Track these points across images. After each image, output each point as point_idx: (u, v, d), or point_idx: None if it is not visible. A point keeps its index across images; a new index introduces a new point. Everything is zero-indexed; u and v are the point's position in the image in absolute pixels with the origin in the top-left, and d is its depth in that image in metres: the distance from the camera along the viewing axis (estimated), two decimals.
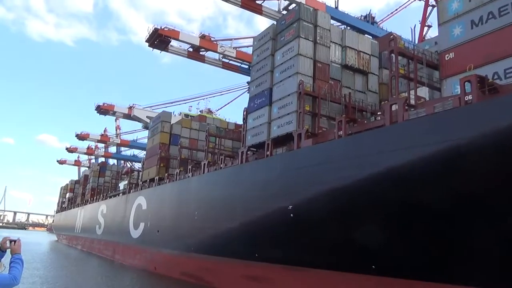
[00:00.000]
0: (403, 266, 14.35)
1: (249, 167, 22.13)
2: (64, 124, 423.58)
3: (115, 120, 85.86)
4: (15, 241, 4.46)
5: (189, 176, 29.72)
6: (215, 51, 38.42)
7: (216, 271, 23.91)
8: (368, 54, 22.57)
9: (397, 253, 14.38)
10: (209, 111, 53.96)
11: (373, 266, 15.38)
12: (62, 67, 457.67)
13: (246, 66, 42.15)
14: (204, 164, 27.37)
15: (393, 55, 14.78)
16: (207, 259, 24.47)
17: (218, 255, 23.50)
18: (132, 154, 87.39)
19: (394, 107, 14.39)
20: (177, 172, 31.74)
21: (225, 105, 67.54)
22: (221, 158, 25.51)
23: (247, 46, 41.24)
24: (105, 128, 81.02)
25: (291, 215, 17.89)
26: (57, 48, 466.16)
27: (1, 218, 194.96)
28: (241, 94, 67.12)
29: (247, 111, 23.57)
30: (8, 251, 4.44)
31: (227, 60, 41.06)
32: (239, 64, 41.73)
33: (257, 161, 21.76)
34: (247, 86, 65.35)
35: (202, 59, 39.49)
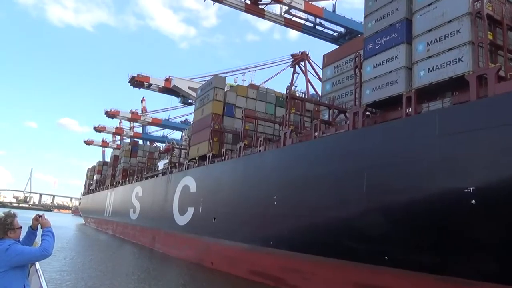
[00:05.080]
0: None
1: (374, 132, 15.52)
2: (84, 109, 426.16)
3: (141, 102, 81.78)
4: (41, 216, 4.59)
5: (259, 151, 23.45)
6: (280, 2, 31.45)
7: (308, 274, 17.82)
8: None
9: None
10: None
11: None
12: (82, 52, 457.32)
13: (311, 24, 35.17)
14: (285, 134, 20.95)
15: None
16: (294, 257, 18.42)
17: (313, 253, 17.42)
18: (162, 135, 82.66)
19: None
20: (240, 146, 25.50)
21: (269, 78, 62.23)
22: (315, 125, 18.97)
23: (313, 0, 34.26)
24: (131, 109, 76.73)
25: (473, 201, 11.41)
26: (77, 33, 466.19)
27: (28, 199, 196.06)
28: (284, 69, 62.07)
29: (361, 57, 16.89)
30: (39, 232, 4.48)
31: (289, 16, 34.09)
32: (303, 22, 34.71)
33: (388, 124, 15.13)
34: (290, 60, 59.52)
35: (261, 13, 32.59)
